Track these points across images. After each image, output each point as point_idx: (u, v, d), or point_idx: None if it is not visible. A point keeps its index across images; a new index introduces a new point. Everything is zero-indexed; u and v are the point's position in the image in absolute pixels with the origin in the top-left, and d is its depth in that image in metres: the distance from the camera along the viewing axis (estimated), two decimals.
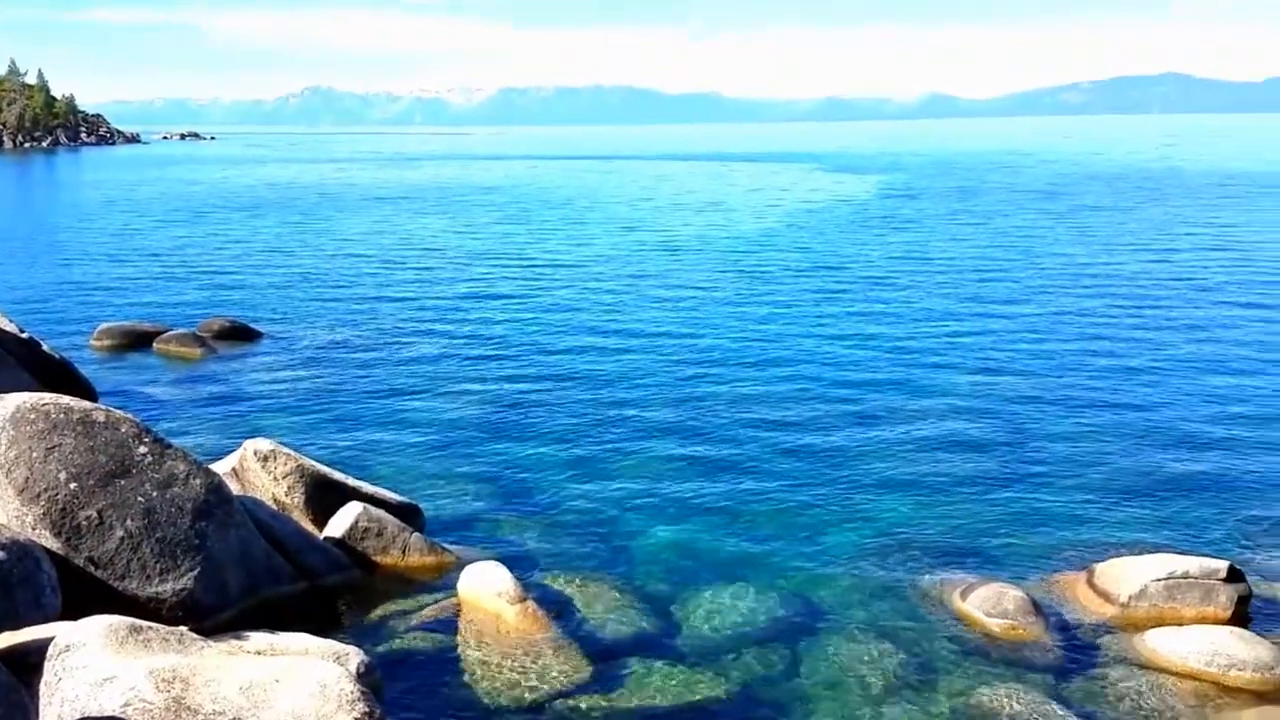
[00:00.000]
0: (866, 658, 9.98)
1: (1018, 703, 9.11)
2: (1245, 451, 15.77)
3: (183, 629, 7.91)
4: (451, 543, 12.46)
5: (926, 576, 11.74)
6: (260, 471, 12.13)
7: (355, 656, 8.19)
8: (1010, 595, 10.75)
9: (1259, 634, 10.13)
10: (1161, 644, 9.89)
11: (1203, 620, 10.39)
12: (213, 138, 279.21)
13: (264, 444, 12.36)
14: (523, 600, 10.52)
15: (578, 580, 11.59)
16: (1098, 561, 11.70)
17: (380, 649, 9.95)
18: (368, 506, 11.96)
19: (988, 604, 10.69)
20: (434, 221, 53.31)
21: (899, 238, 43.77)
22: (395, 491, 13.20)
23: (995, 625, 10.46)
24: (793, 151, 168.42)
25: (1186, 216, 50.20)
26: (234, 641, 8.10)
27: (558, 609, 10.81)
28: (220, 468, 11.97)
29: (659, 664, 9.83)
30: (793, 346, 23.23)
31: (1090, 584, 11.24)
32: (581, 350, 23.14)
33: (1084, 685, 9.50)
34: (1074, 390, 19.32)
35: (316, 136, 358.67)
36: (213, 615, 9.75)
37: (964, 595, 11.04)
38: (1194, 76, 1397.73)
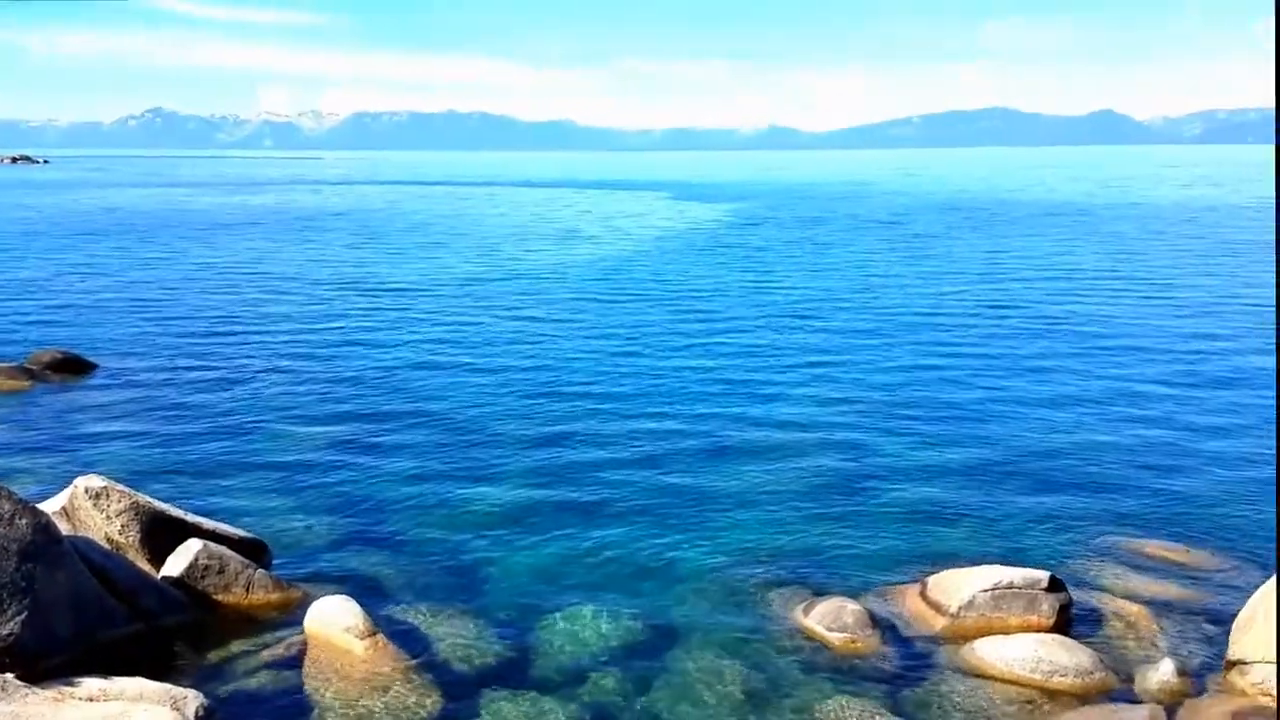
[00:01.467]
0: (714, 675, 10.24)
1: (855, 714, 9.51)
2: (1065, 466, 16.78)
3: (7, 676, 7.54)
4: (299, 578, 12.20)
5: (772, 593, 12.12)
6: (92, 510, 11.62)
7: (193, 700, 7.97)
8: (849, 609, 11.21)
9: (1079, 640, 10.81)
10: (989, 652, 10.47)
11: (1027, 628, 11.00)
12: (46, 161, 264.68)
13: (95, 481, 11.86)
14: (373, 634, 10.39)
15: (431, 611, 11.51)
16: (930, 574, 12.29)
17: (222, 691, 9.65)
18: (208, 543, 11.60)
19: (828, 618, 11.12)
20: (281, 248, 51.94)
21: (749, 265, 44.96)
22: (238, 527, 12.84)
23: (836, 639, 10.88)
24: (645, 179, 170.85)
25: (1011, 245, 53.11)
26: (63, 688, 7.77)
27: (410, 641, 10.71)
28: (49, 507, 11.41)
29: (512, 691, 9.86)
30: (645, 372, 23.58)
31: (923, 595, 11.80)
32: (432, 379, 22.95)
33: (917, 694, 9.97)
34: (907, 410, 20.19)
35: (159, 160, 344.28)
36: (41, 661, 9.28)
37: (806, 610, 11.45)
38: (1019, 110, 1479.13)
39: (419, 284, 38.58)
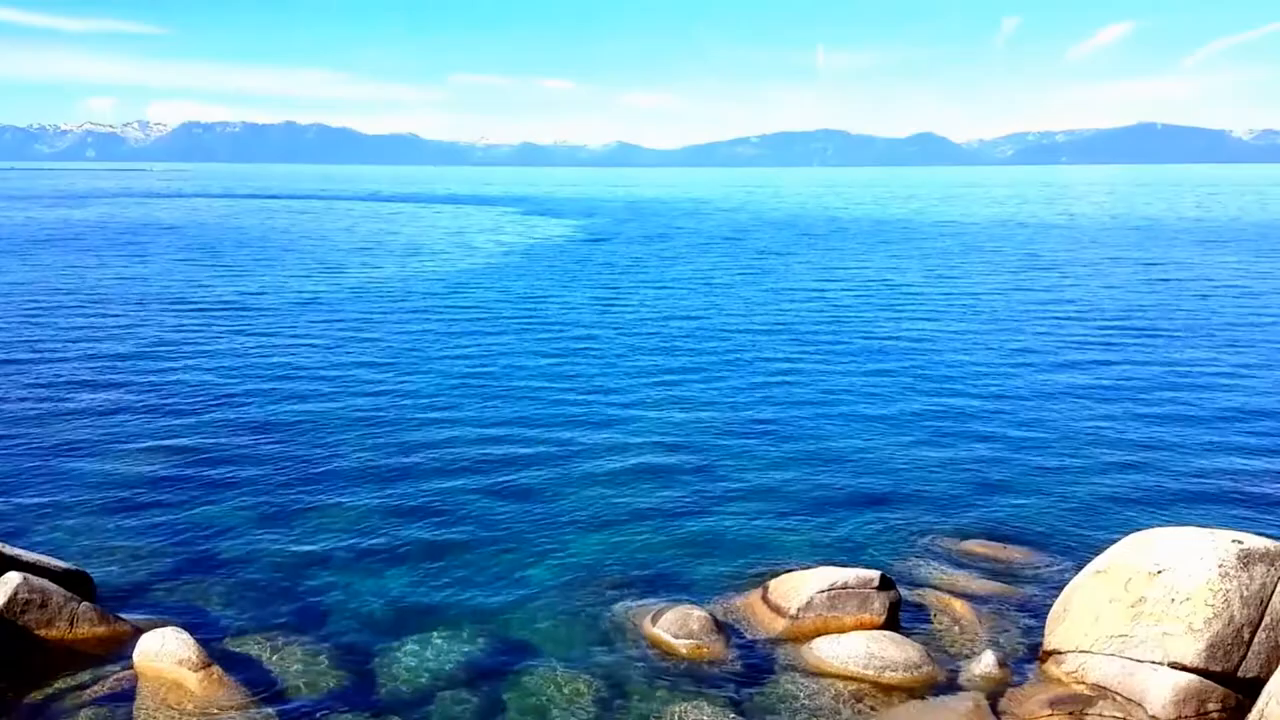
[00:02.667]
0: (564, 690, 10.31)
1: (701, 718, 9.74)
2: (895, 472, 17.55)
3: None
4: (128, 611, 11.67)
5: (620, 605, 12.27)
6: None
7: None
8: (695, 616, 11.46)
9: (908, 635, 11.35)
10: (826, 651, 10.88)
11: (861, 626, 11.49)
12: None
13: None
14: (206, 666, 10.04)
15: (270, 641, 11.19)
16: (772, 578, 12.69)
17: None
18: (28, 576, 10.99)
19: (675, 626, 11.35)
20: (104, 264, 49.35)
21: (598, 280, 45.26)
22: (61, 558, 12.20)
23: (683, 646, 11.12)
24: (494, 194, 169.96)
25: (846, 260, 55.18)
26: None
27: (248, 672, 10.40)
28: None
29: (356, 719, 9.69)
30: (492, 391, 23.46)
31: (765, 599, 12.17)
32: (270, 401, 22.26)
33: (760, 694, 10.29)
34: (749, 422, 20.74)
35: None
36: None
37: (654, 620, 11.64)
38: (848, 132, 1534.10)
39: (255, 302, 37.33)
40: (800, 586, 11.98)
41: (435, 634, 11.44)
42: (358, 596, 12.52)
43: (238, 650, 10.94)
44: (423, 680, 10.52)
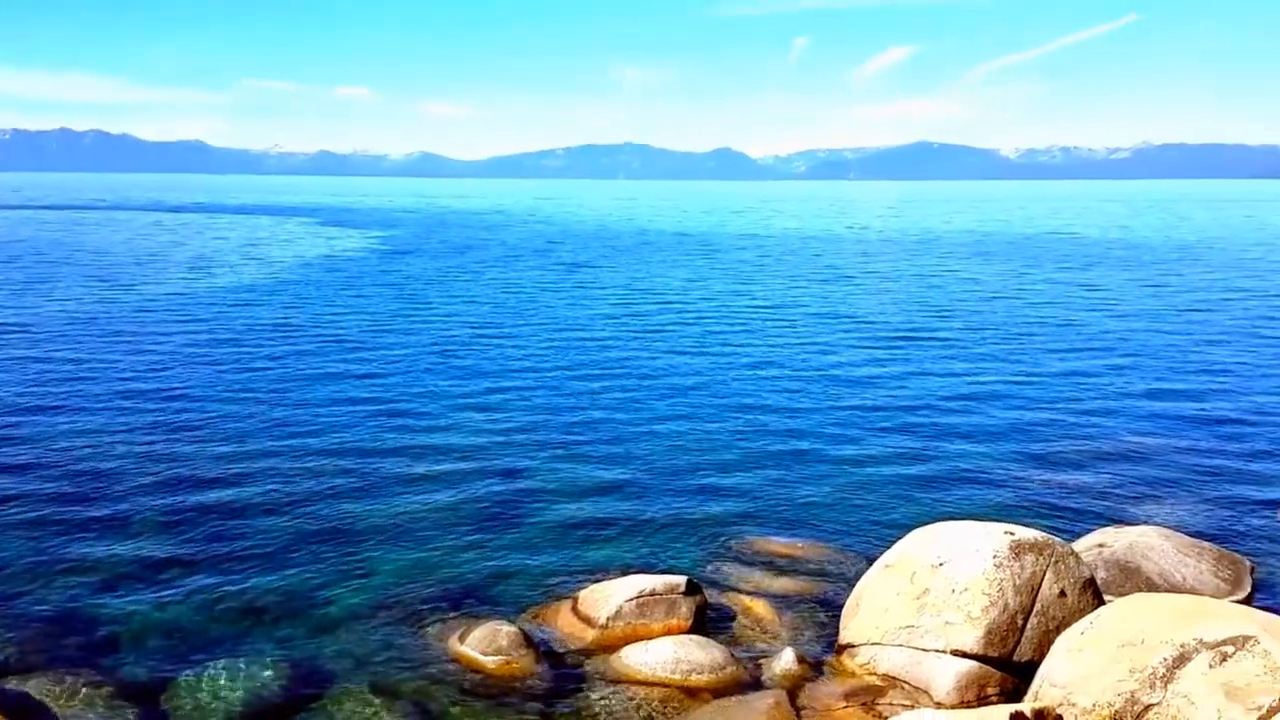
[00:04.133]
0: (367, 716, 10.02)
1: None
2: (699, 475, 17.95)
3: None
4: None
5: (426, 624, 12.04)
6: None
7: None
8: (504, 632, 11.38)
9: (714, 638, 11.62)
10: (634, 658, 11.01)
11: (669, 632, 11.67)
12: None
13: None
14: None
15: (46, 677, 10.41)
16: (582, 589, 12.74)
17: None
18: None
19: (483, 643, 11.23)
20: None
21: (399, 293, 44.36)
22: None
23: (491, 662, 11.01)
24: (289, 204, 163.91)
25: (653, 271, 56.18)
26: None
27: (19, 714, 9.61)
28: None
29: None
30: (287, 407, 22.59)
31: (574, 610, 12.21)
32: (41, 422, 20.71)
33: (570, 708, 10.29)
34: (553, 431, 20.76)
35: None
36: None
37: (462, 638, 11.49)
38: (651, 146, 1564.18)
39: (20, 320, 34.63)
40: (609, 596, 12.08)
41: (230, 666, 10.89)
42: (144, 630, 11.77)
43: (7, 688, 10.10)
44: (219, 712, 10.00)
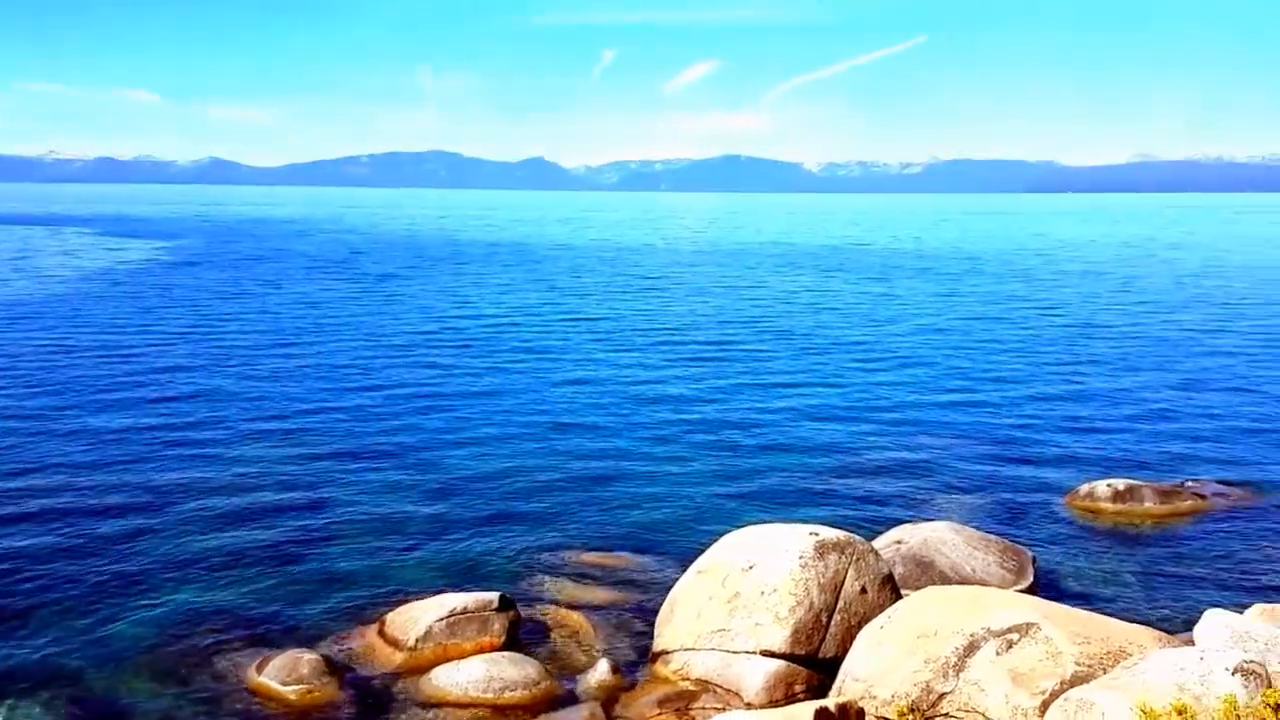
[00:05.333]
0: None
1: None
2: (512, 489, 17.74)
3: None
4: None
5: (221, 656, 11.38)
6: None
7: None
8: (306, 660, 10.86)
9: (528, 654, 11.44)
10: (445, 679, 10.70)
11: (481, 650, 11.42)
12: None
13: None
14: None
15: None
16: (389, 611, 12.32)
17: None
18: None
19: (283, 673, 10.69)
20: None
21: (187, 307, 42.13)
22: None
23: (292, 693, 10.48)
24: (66, 214, 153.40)
25: (465, 281, 55.47)
26: None
27: None
28: None
29: None
30: (65, 430, 21.01)
31: (382, 634, 11.79)
32: None
33: None
34: (357, 449, 20.10)
35: None
36: None
37: (260, 668, 10.90)
38: (461, 155, 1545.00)
39: None
40: (418, 617, 11.73)
41: (10, 704, 9.99)
42: None
43: None
44: None
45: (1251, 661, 7.96)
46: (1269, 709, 5.86)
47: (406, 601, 12.60)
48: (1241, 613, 10.47)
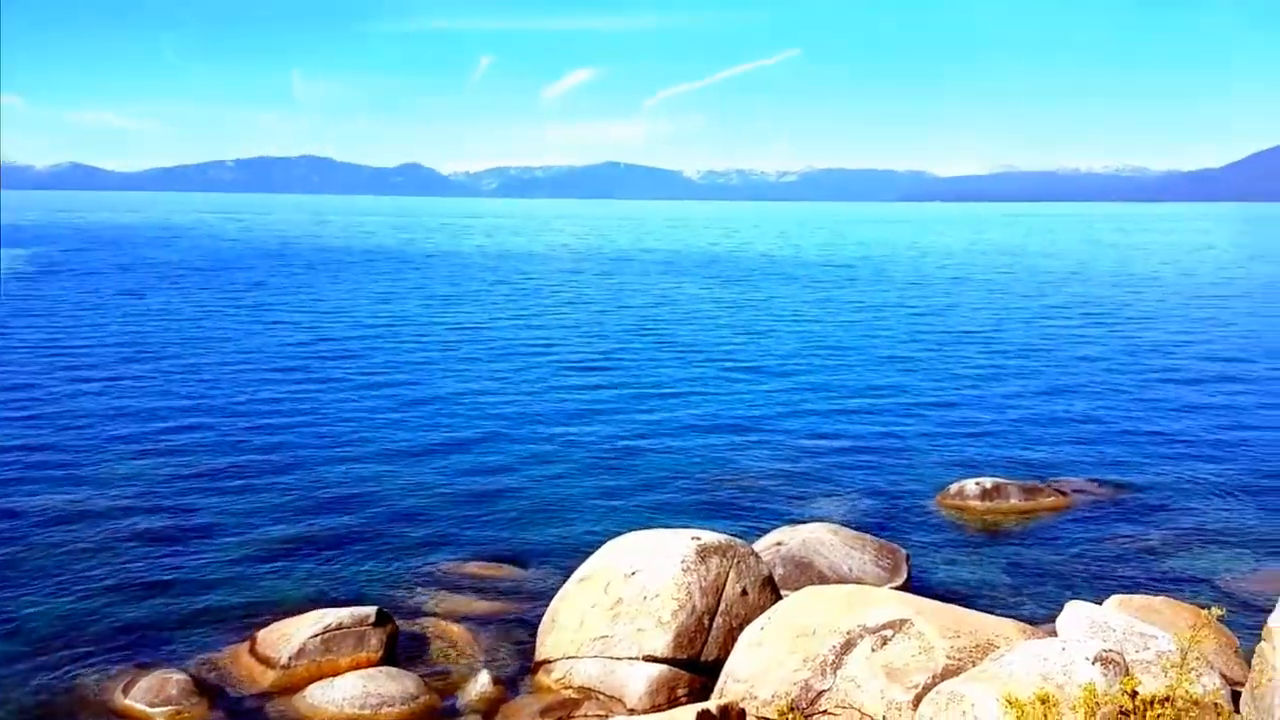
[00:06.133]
0: None
1: None
2: (390, 501, 17.40)
3: None
4: None
5: (85, 679, 10.87)
6: None
7: None
8: (174, 680, 10.44)
9: (407, 668, 11.20)
10: (319, 697, 10.40)
11: (357, 666, 11.13)
12: None
13: None
14: None
15: None
16: (262, 628, 11.91)
17: None
18: None
19: (150, 694, 10.26)
20: None
21: (40, 318, 40.09)
22: None
23: (159, 715, 10.08)
24: None
25: (336, 292, 54.22)
26: None
27: None
28: None
29: None
30: None
31: (253, 652, 11.40)
32: None
33: None
34: (228, 464, 19.47)
35: None
36: None
37: (126, 690, 10.45)
38: (333, 160, 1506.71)
39: None
40: (291, 634, 11.37)
41: None
42: None
43: None
44: None
45: (1110, 650, 8.30)
46: (1126, 696, 6.12)
47: (280, 618, 12.21)
48: (1100, 604, 10.95)
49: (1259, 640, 9.76)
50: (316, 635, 11.27)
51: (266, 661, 11.18)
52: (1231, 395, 27.28)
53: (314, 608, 12.38)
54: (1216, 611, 7.44)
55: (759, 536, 14.61)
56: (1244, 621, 11.81)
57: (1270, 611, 9.93)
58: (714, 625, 10.75)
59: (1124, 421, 24.12)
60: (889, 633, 9.39)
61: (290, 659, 11.08)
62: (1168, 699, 6.23)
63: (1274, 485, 18.79)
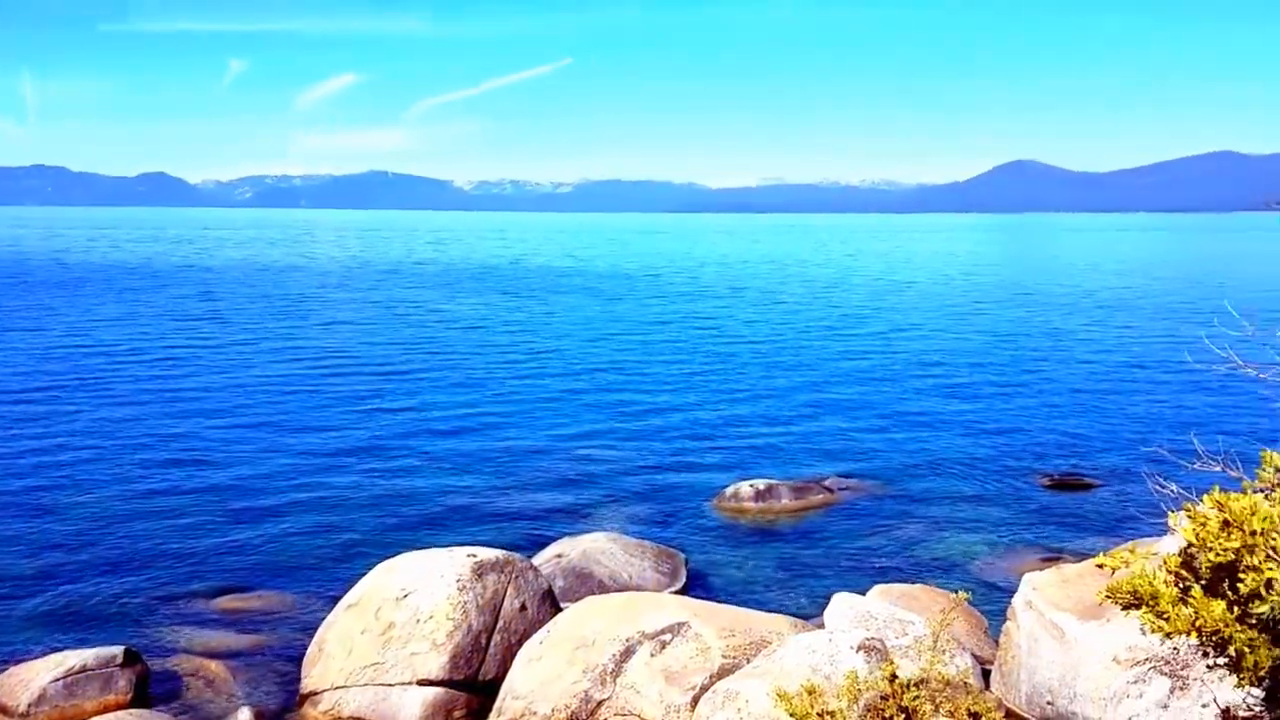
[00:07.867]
0: None
1: None
2: (134, 534, 16.19)
3: None
4: None
5: None
6: None
7: None
8: None
9: (162, 710, 10.41)
10: None
11: (105, 710, 10.25)
12: None
13: None
14: None
15: None
16: None
17: None
18: None
19: None
20: None
21: None
22: None
23: None
24: None
25: (78, 309, 50.26)
26: None
27: None
28: None
29: None
30: None
31: None
32: None
33: None
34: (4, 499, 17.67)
35: None
36: None
37: None
38: (68, 169, 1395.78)
39: None
40: (29, 679, 10.35)
41: None
42: None
43: None
44: None
45: (872, 638, 8.72)
46: (885, 681, 6.41)
47: (17, 663, 11.08)
48: (865, 594, 11.51)
49: (1005, 620, 10.54)
50: (58, 679, 10.31)
51: (4, 710, 10.14)
52: (980, 393, 29.38)
53: (55, 650, 11.33)
54: (964, 595, 7.92)
55: (540, 549, 14.50)
56: (994, 602, 12.73)
57: (1014, 593, 10.73)
58: (492, 643, 10.56)
59: (884, 419, 25.58)
60: (668, 637, 9.51)
61: (29, 706, 10.09)
62: (923, 681, 6.57)
63: (1018, 474, 20.36)
